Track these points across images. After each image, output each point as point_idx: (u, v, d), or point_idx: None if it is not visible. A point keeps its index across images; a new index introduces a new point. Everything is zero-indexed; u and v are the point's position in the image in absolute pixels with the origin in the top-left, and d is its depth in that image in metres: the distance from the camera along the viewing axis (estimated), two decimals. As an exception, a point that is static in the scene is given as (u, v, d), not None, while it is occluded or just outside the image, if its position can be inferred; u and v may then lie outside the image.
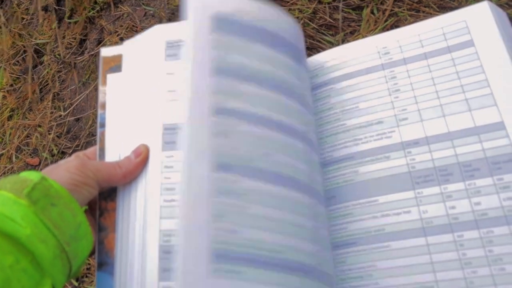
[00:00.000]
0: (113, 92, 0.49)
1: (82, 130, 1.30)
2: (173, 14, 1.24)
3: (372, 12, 0.98)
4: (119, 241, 0.43)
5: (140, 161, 0.44)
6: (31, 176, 0.38)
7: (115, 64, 0.50)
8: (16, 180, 0.37)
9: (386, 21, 0.96)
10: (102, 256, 0.43)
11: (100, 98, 0.50)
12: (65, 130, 1.33)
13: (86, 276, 1.09)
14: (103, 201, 0.45)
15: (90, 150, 0.49)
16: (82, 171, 0.41)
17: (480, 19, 0.46)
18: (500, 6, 0.89)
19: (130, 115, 0.47)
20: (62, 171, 0.40)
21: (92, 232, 0.41)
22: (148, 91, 0.47)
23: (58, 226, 0.36)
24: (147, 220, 0.42)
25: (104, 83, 0.50)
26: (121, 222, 0.43)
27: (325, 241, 0.43)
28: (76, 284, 1.10)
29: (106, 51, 0.51)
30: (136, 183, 0.44)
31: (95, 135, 1.23)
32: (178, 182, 0.43)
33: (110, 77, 0.50)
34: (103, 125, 0.48)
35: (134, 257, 0.41)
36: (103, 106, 0.49)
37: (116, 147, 0.47)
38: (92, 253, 0.43)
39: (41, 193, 0.36)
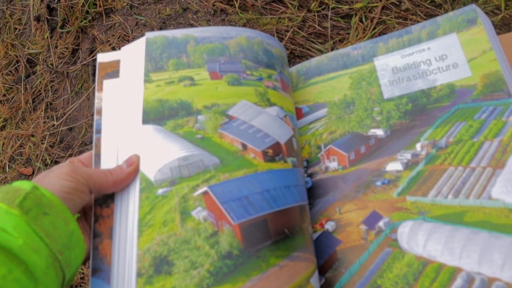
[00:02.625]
0: (110, 98, 0.49)
1: (75, 139, 1.31)
2: (164, 24, 1.25)
3: (360, 20, 0.99)
4: (116, 248, 0.43)
5: (131, 170, 0.44)
6: (23, 185, 0.38)
7: (112, 70, 0.51)
8: (8, 190, 0.37)
9: (374, 29, 0.97)
10: (97, 262, 0.43)
11: (96, 104, 0.50)
12: (58, 139, 1.33)
13: (80, 286, 1.09)
14: (98, 207, 0.45)
15: (84, 155, 0.49)
16: (74, 177, 0.41)
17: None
18: (486, 13, 0.90)
19: (126, 121, 0.47)
20: (53, 178, 0.40)
21: (84, 240, 0.41)
22: (143, 96, 0.47)
23: (51, 235, 0.36)
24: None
25: (100, 89, 0.50)
26: (119, 229, 0.44)
27: None
28: (69, 293, 1.10)
29: (102, 57, 0.52)
30: (134, 190, 0.44)
31: (88, 144, 1.23)
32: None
33: (107, 83, 0.50)
34: (99, 131, 0.48)
35: (132, 263, 0.41)
36: (99, 112, 0.49)
37: (112, 153, 0.47)
38: (85, 261, 0.43)
39: (33, 203, 0.36)
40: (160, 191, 0.43)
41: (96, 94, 0.50)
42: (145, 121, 0.46)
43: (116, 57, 0.51)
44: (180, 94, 0.47)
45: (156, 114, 0.46)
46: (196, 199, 0.42)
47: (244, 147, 0.46)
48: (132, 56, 0.50)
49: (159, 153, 0.45)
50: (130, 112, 0.48)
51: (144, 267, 0.40)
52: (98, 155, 0.47)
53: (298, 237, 0.44)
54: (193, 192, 0.43)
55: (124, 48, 0.51)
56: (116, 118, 0.48)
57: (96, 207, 0.45)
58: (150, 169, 0.44)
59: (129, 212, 0.44)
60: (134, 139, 0.46)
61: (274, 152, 0.47)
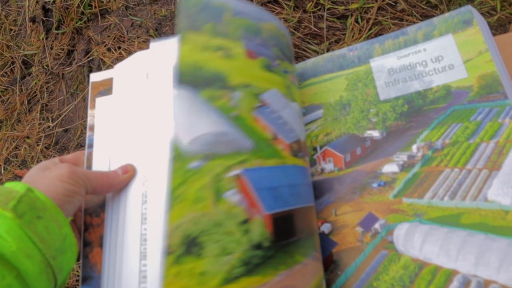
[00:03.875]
0: (102, 114, 0.51)
1: (71, 141, 1.30)
2: (159, 24, 1.24)
3: (356, 21, 0.99)
4: (106, 256, 0.43)
5: (126, 178, 0.44)
6: (16, 187, 0.37)
7: (104, 88, 0.52)
8: (1, 192, 0.36)
9: (370, 29, 0.96)
10: (87, 270, 0.44)
11: (89, 121, 0.51)
12: (53, 141, 1.33)
13: (76, 288, 1.09)
14: (88, 216, 0.45)
15: (71, 156, 0.49)
16: (74, 180, 0.40)
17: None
18: (482, 14, 0.90)
19: (117, 136, 0.48)
20: (53, 181, 0.39)
21: (77, 243, 0.41)
22: (135, 112, 0.48)
23: (44, 240, 0.36)
24: (129, 234, 0.42)
25: (93, 106, 0.51)
26: (109, 237, 0.44)
27: None
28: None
29: (95, 76, 0.53)
30: (124, 198, 0.44)
31: (84, 146, 1.22)
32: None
33: (99, 100, 0.51)
34: (91, 146, 0.49)
35: (121, 272, 0.41)
36: (92, 128, 0.50)
37: (103, 167, 0.48)
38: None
39: (27, 206, 0.36)
40: (192, 164, 0.40)
41: (89, 111, 0.51)
42: (181, 84, 0.42)
43: (108, 76, 0.52)
44: (216, 64, 0.43)
45: (191, 78, 0.42)
46: (229, 181, 0.39)
47: (275, 136, 0.44)
48: (125, 72, 0.50)
49: (194, 122, 0.41)
50: (122, 126, 0.48)
51: (174, 245, 0.37)
52: (89, 168, 0.48)
53: (315, 236, 0.43)
54: (227, 172, 0.40)
55: (117, 66, 0.52)
56: (108, 134, 0.49)
57: (86, 216, 0.46)
58: (182, 138, 0.40)
59: (119, 220, 0.44)
60: (125, 153, 0.47)
61: (298, 148, 0.46)
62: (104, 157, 0.48)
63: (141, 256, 0.41)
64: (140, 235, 0.42)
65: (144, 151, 0.45)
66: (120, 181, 0.44)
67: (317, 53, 0.97)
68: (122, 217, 0.44)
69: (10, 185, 0.37)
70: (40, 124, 1.37)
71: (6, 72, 1.52)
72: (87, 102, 0.54)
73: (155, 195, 0.43)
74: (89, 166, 0.48)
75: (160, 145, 0.44)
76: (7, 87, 1.49)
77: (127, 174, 0.45)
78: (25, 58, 1.48)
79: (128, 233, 0.42)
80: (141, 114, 0.47)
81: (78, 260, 0.44)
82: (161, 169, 0.43)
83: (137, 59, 0.50)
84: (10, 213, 0.34)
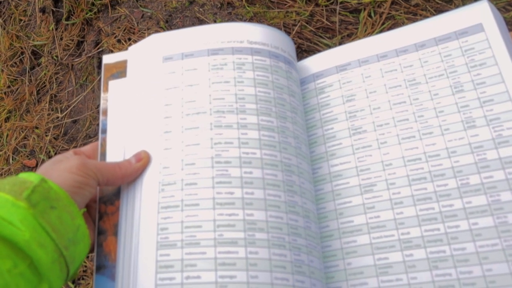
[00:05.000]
0: (115, 98, 0.49)
1: (79, 132, 1.30)
2: (170, 16, 1.24)
3: (369, 15, 0.98)
4: (121, 244, 0.42)
5: (140, 166, 0.44)
6: (30, 177, 0.37)
7: (117, 71, 0.50)
8: (15, 182, 0.36)
9: (383, 24, 0.96)
10: (101, 259, 0.43)
11: (102, 104, 0.49)
12: (62, 132, 1.33)
13: (83, 279, 1.09)
14: (102, 205, 0.45)
15: (87, 147, 0.48)
16: (84, 172, 0.40)
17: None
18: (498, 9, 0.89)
19: (132, 121, 0.47)
20: (63, 172, 0.39)
21: (89, 235, 0.41)
22: (150, 95, 0.47)
23: (57, 230, 0.35)
24: (146, 223, 0.42)
25: (106, 89, 0.50)
26: (124, 226, 0.43)
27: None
28: (72, 286, 1.10)
29: (107, 58, 0.52)
30: (140, 186, 0.44)
31: (92, 137, 1.22)
32: (175, 179, 0.43)
33: (112, 83, 0.50)
34: (104, 131, 0.48)
35: (137, 260, 0.41)
36: (105, 112, 0.49)
37: (117, 152, 0.47)
38: (88, 253, 0.43)
39: (41, 196, 0.36)
40: None
41: (102, 95, 0.50)
42: None
43: (122, 58, 0.51)
44: None
45: None
46: None
47: None
48: (140, 55, 0.50)
49: None
50: (137, 111, 0.47)
51: None
52: (103, 154, 0.47)
53: None
54: None
55: (131, 48, 0.51)
56: (122, 118, 0.48)
57: (100, 204, 0.45)
58: None
59: (135, 209, 0.43)
60: (140, 139, 0.46)
61: None
62: (119, 143, 0.47)
63: (158, 245, 0.41)
64: (156, 224, 0.42)
65: (160, 137, 0.45)
66: (134, 170, 0.43)
67: (329, 47, 0.96)
68: (138, 206, 0.43)
69: (24, 176, 0.37)
70: (49, 114, 1.37)
71: (15, 63, 1.52)
72: (100, 84, 0.53)
73: (171, 182, 0.43)
74: (103, 152, 0.47)
75: (177, 132, 0.44)
76: (16, 77, 1.49)
77: (141, 162, 0.44)
78: (35, 49, 1.48)
79: (144, 223, 0.42)
80: (157, 98, 0.47)
81: (91, 251, 0.43)
82: (177, 156, 0.43)
83: (153, 41, 0.49)
84: (24, 203, 0.34)
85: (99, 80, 1.28)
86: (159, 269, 0.40)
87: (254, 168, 0.44)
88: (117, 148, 0.47)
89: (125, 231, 0.43)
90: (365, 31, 0.95)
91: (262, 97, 0.47)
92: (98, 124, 0.44)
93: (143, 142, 0.46)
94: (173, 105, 0.46)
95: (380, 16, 0.96)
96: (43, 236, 0.34)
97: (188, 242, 0.41)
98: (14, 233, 0.33)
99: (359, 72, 0.51)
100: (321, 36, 0.98)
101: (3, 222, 0.33)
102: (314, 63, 0.54)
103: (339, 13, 0.99)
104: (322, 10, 1.00)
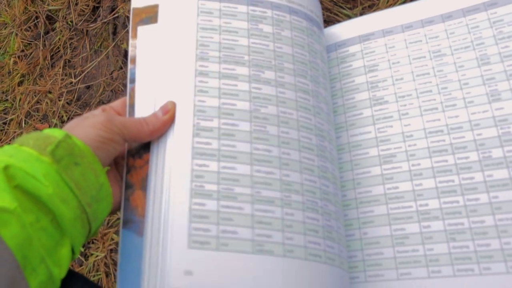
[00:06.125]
0: (145, 45, 0.47)
1: (93, 97, 1.30)
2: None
3: (391, -13, 0.96)
4: (151, 199, 0.41)
5: (167, 118, 0.42)
6: (54, 133, 0.36)
7: (146, 16, 0.48)
8: (38, 137, 0.36)
9: (405, -4, 0.93)
10: (128, 214, 0.42)
11: (130, 52, 0.47)
12: (75, 97, 1.33)
13: (93, 242, 1.10)
14: (130, 158, 0.44)
15: (116, 103, 0.47)
16: (109, 127, 0.39)
17: None
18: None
19: (163, 68, 0.45)
20: (87, 128, 0.39)
21: (115, 191, 0.40)
22: (184, 37, 0.45)
23: (80, 187, 0.35)
24: (179, 169, 0.41)
25: (135, 36, 0.47)
26: (154, 179, 0.42)
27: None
28: (82, 249, 1.11)
29: (136, 2, 0.49)
30: (172, 131, 0.43)
31: (106, 103, 1.22)
32: (211, 126, 0.42)
33: (141, 29, 0.47)
34: (133, 81, 0.46)
35: (168, 210, 0.39)
36: (133, 60, 0.47)
37: (147, 103, 0.45)
38: (112, 213, 0.42)
39: (65, 152, 0.35)
40: None
41: (130, 41, 0.47)
42: None
43: (152, 2, 0.48)
44: None
45: None
46: None
47: None
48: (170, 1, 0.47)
49: None
50: (169, 59, 0.45)
51: None
52: (132, 106, 0.45)
53: None
54: None
55: None
56: (153, 67, 0.46)
57: (128, 158, 0.44)
58: None
59: (165, 161, 0.42)
60: (172, 89, 0.44)
61: None
62: (149, 93, 0.45)
63: (192, 193, 0.39)
64: (191, 170, 0.40)
65: (195, 78, 0.43)
66: (162, 124, 0.42)
67: (349, 17, 0.94)
68: (169, 152, 0.42)
69: (48, 131, 0.37)
70: (62, 79, 1.37)
71: (29, 27, 1.51)
72: (128, 36, 0.51)
73: (207, 129, 0.41)
74: (132, 104, 0.45)
75: (213, 76, 0.43)
76: (30, 41, 1.49)
77: (168, 114, 0.42)
78: (49, 13, 1.47)
79: (177, 168, 0.40)
80: (192, 38, 0.45)
81: (118, 209, 0.43)
82: (214, 102, 0.42)
83: None
84: (47, 158, 0.34)
85: (114, 46, 1.27)
86: (193, 218, 0.38)
87: (290, 129, 0.42)
88: (147, 98, 0.45)
89: (155, 184, 0.41)
90: (387, 2, 0.93)
91: (298, 58, 0.46)
92: (125, 77, 0.42)
93: (174, 86, 0.44)
94: (210, 46, 0.45)
95: (403, -12, 0.94)
96: (66, 191, 0.34)
97: (225, 194, 0.39)
98: (37, 188, 0.33)
99: (382, 42, 0.50)
100: (341, 7, 0.96)
101: (26, 176, 0.33)
102: (336, 32, 0.53)
103: (360, -16, 0.97)
104: (343, -20, 0.98)
